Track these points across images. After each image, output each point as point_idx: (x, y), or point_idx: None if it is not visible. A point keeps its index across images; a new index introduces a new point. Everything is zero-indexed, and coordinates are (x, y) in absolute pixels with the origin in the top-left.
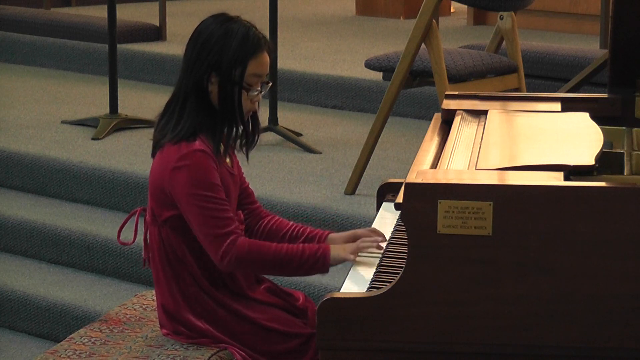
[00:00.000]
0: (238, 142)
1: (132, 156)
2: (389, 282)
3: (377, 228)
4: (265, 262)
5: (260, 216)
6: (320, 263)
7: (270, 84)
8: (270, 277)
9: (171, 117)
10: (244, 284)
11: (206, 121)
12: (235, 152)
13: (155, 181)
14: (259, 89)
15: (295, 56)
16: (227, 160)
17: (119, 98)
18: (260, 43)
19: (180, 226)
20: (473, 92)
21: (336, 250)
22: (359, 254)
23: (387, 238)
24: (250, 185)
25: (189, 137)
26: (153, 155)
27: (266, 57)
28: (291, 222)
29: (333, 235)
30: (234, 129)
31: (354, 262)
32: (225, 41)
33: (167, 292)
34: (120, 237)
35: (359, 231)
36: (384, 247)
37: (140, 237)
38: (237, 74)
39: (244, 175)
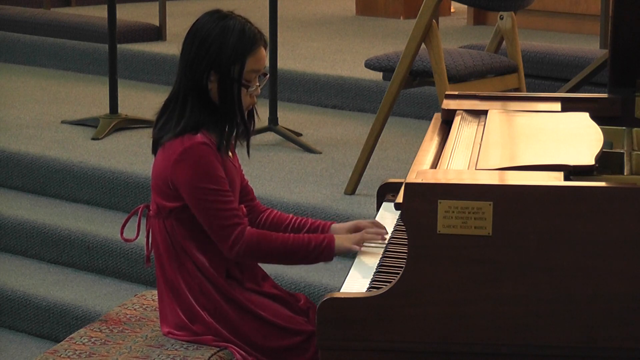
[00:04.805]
0: (235, 135)
1: (132, 156)
2: (389, 282)
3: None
4: (273, 251)
5: (259, 211)
6: (326, 252)
7: (268, 75)
8: (272, 277)
9: (171, 116)
10: (248, 277)
11: (207, 118)
12: (236, 149)
13: (158, 174)
14: (257, 83)
15: (295, 56)
16: (230, 154)
17: (119, 98)
18: (257, 38)
19: (185, 217)
20: (473, 92)
21: (341, 239)
22: (364, 244)
23: (387, 238)
24: (249, 185)
25: (191, 130)
26: (154, 152)
27: (263, 52)
28: (290, 215)
29: (335, 225)
30: (235, 123)
31: (357, 256)
32: (222, 39)
33: (172, 285)
34: (123, 235)
35: (361, 222)
36: (387, 239)
37: (142, 235)
38: (235, 72)
39: (243, 172)
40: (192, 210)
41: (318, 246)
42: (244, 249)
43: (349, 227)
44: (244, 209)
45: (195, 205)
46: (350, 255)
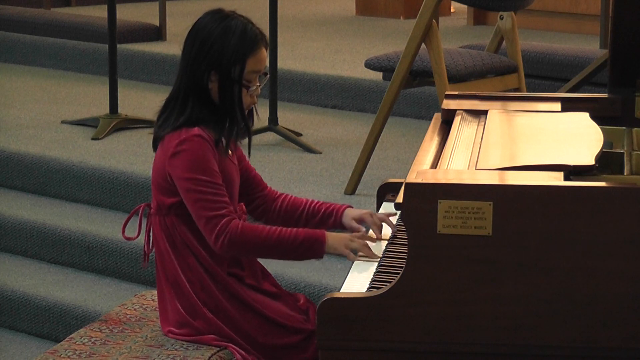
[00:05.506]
0: (235, 135)
1: (132, 156)
2: (389, 282)
3: (377, 229)
4: (257, 244)
5: (273, 198)
6: (315, 250)
7: (268, 75)
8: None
9: (171, 114)
10: (248, 274)
11: (208, 117)
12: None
13: (158, 169)
14: (258, 83)
15: (295, 56)
16: (229, 152)
17: (119, 98)
18: (257, 39)
19: (185, 213)
20: (473, 92)
21: (334, 240)
22: (358, 255)
23: (388, 237)
24: (258, 174)
25: (190, 125)
26: (154, 148)
27: (264, 53)
28: (305, 199)
29: (348, 211)
30: (235, 123)
31: (354, 261)
32: (223, 40)
33: (174, 281)
34: (125, 234)
35: (367, 217)
36: (388, 239)
37: (143, 234)
38: (236, 72)
39: (249, 163)
40: (184, 201)
41: (305, 241)
42: (227, 240)
43: (358, 216)
44: (244, 207)
45: (186, 195)
46: None
